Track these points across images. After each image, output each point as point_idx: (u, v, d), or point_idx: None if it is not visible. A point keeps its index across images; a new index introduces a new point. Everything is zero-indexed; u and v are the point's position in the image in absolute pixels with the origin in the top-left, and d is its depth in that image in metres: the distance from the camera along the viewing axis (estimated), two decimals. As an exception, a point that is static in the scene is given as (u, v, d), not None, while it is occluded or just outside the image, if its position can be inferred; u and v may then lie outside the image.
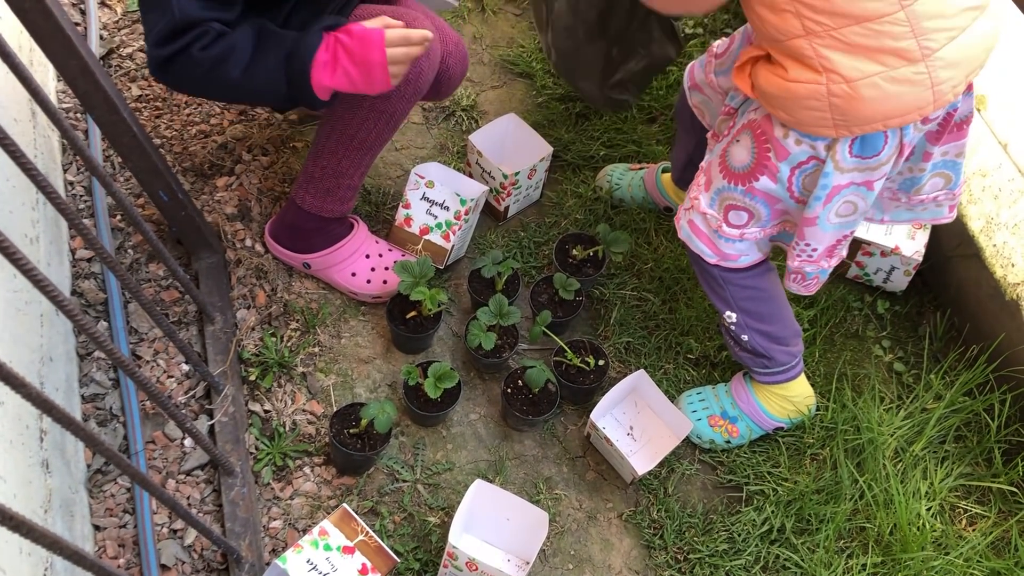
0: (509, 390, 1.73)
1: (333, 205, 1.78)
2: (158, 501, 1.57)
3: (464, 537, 1.58)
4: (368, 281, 1.85)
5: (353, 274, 1.85)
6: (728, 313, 1.64)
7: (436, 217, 1.87)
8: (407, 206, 1.88)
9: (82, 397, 1.65)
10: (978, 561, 1.63)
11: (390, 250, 1.89)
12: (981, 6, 1.28)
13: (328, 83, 1.48)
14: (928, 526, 1.67)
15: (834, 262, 1.54)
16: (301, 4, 1.58)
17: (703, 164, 1.57)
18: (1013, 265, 1.79)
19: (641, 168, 2.09)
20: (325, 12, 1.58)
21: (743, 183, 1.46)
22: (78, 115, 2.05)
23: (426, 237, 1.87)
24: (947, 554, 1.64)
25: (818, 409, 1.78)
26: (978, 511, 1.73)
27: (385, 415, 1.57)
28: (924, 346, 1.93)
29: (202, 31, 1.43)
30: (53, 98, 2.02)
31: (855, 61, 1.24)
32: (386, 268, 1.86)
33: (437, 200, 1.87)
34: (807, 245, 1.48)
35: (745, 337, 1.65)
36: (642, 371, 1.72)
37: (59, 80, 2.09)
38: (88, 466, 1.59)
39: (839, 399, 1.80)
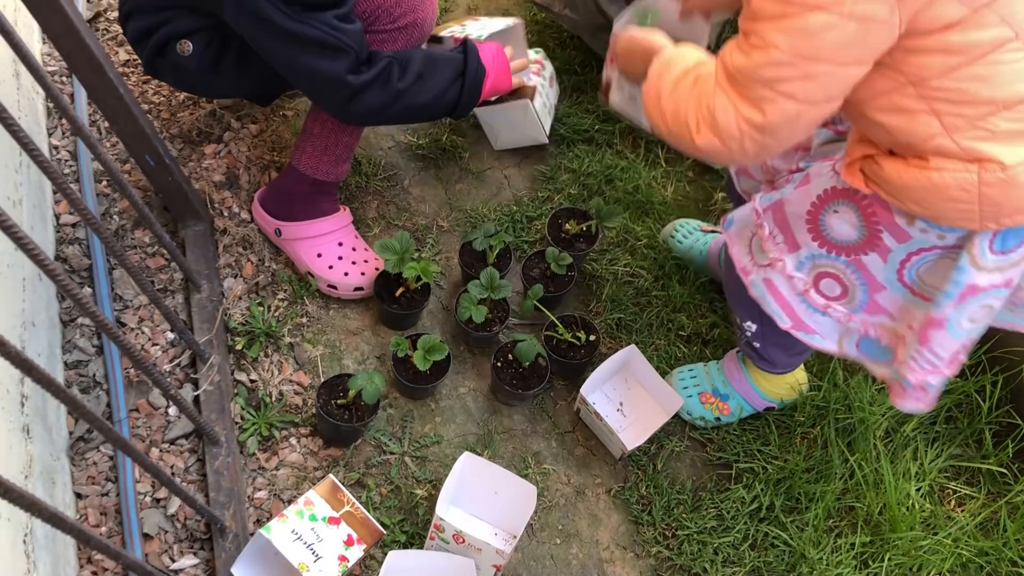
0: (499, 364, 1.71)
1: (328, 167, 1.76)
2: (141, 469, 1.55)
3: (451, 510, 1.57)
4: (330, 267, 1.80)
5: (319, 255, 1.81)
6: (749, 324, 1.59)
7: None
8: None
9: (65, 364, 1.63)
10: (966, 542, 1.63)
11: (367, 249, 1.85)
12: None
13: (487, 92, 1.77)
14: (917, 506, 1.66)
15: (955, 370, 1.31)
16: None
17: (761, 207, 1.42)
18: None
19: (713, 232, 1.95)
20: None
21: (848, 255, 1.32)
22: (64, 79, 2.02)
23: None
24: (935, 534, 1.63)
25: (810, 389, 1.77)
26: (967, 492, 1.73)
27: (373, 386, 1.55)
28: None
29: (389, 62, 1.61)
30: (38, 60, 1.97)
31: (1010, 147, 1.09)
32: (353, 263, 1.81)
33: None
34: (931, 352, 1.28)
35: (758, 345, 1.61)
36: (633, 346, 1.71)
37: (44, 42, 2.05)
38: (70, 433, 1.57)
39: (831, 379, 1.78)
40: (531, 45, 2.28)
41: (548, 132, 2.04)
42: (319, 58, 1.52)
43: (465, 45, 1.75)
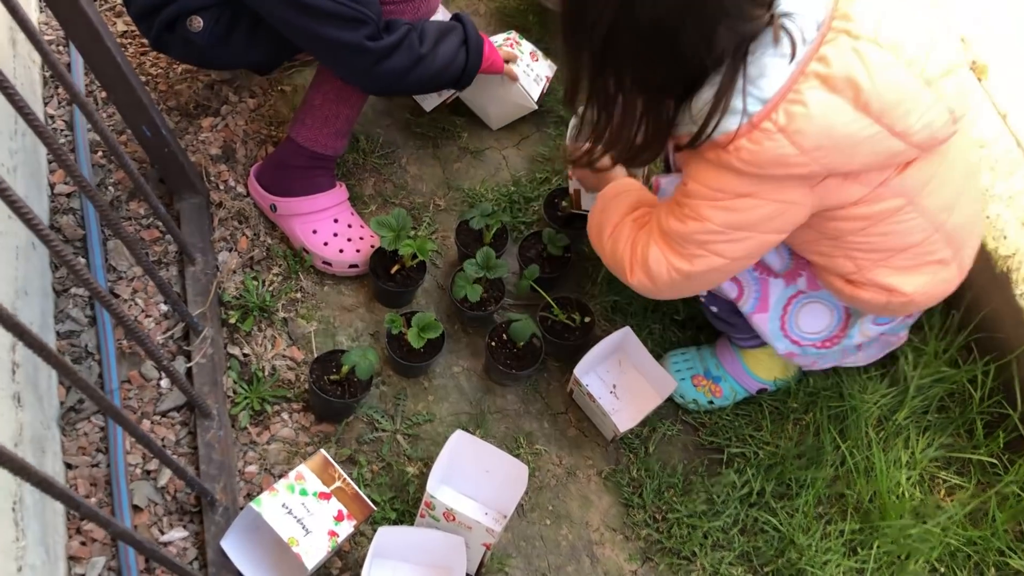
0: (493, 343, 1.71)
1: (327, 139, 1.75)
2: (132, 440, 1.55)
3: (442, 488, 1.57)
4: (325, 243, 1.80)
5: (314, 231, 1.80)
6: (712, 307, 1.66)
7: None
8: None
9: (57, 333, 1.62)
10: (955, 531, 1.64)
11: (363, 226, 1.85)
12: (979, 186, 1.51)
13: (483, 64, 1.80)
14: (907, 495, 1.66)
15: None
16: None
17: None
18: (1005, 237, 1.77)
19: None
20: None
21: (761, 272, 1.54)
22: (61, 47, 2.00)
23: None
24: (924, 523, 1.63)
25: (802, 374, 1.77)
26: (957, 482, 1.73)
27: (367, 362, 1.55)
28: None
29: (409, 29, 1.64)
30: (36, 28, 1.96)
31: (907, 278, 1.42)
32: (348, 240, 1.81)
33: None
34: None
35: (715, 308, 1.65)
36: (628, 328, 1.71)
37: (42, 10, 2.03)
38: (61, 403, 1.56)
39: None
40: (511, 28, 2.27)
41: (537, 99, 2.03)
42: (338, 29, 1.53)
43: (460, 17, 1.79)
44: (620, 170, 1.65)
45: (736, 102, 1.21)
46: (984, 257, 1.82)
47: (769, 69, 1.20)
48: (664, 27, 1.18)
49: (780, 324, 1.57)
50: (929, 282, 1.44)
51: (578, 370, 1.65)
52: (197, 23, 1.65)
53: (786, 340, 1.58)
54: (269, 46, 1.71)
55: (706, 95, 1.23)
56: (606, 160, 1.42)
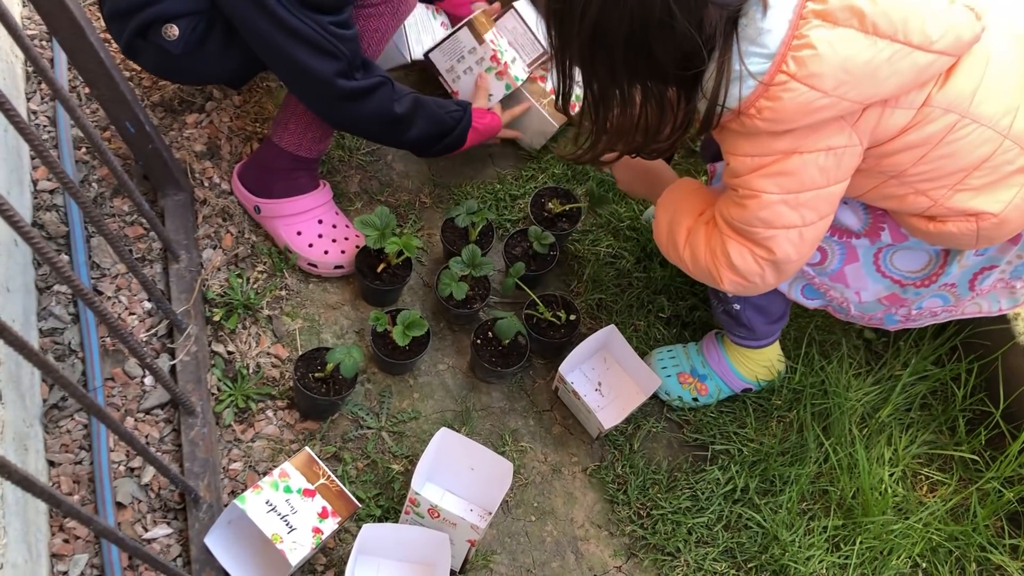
0: (479, 341, 1.71)
1: (309, 143, 1.74)
2: (115, 436, 1.55)
3: (427, 486, 1.57)
4: (310, 245, 1.79)
5: (299, 233, 1.79)
6: (735, 304, 1.64)
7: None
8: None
9: (40, 331, 1.61)
10: (936, 527, 1.65)
11: (348, 226, 1.84)
12: None
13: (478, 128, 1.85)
14: (890, 491, 1.68)
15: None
16: None
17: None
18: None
19: None
20: None
21: (842, 237, 1.49)
22: (43, 43, 1.99)
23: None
24: (907, 519, 1.65)
25: (787, 372, 1.78)
26: (939, 478, 1.74)
27: (352, 360, 1.55)
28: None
29: (391, 85, 1.66)
30: (17, 22, 1.94)
31: (990, 196, 1.31)
32: (333, 240, 1.81)
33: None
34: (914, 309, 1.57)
35: (737, 306, 1.63)
36: (612, 326, 1.71)
37: (25, 5, 2.02)
38: (44, 401, 1.55)
39: (808, 363, 1.79)
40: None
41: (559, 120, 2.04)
42: (310, 56, 1.52)
43: (464, 111, 1.82)
44: (663, 167, 1.64)
45: (739, 67, 1.20)
46: (966, 255, 1.83)
47: (766, 24, 1.18)
48: (653, 11, 1.16)
49: (875, 266, 1.51)
50: (1018, 194, 1.31)
51: (563, 368, 1.65)
52: (173, 31, 1.60)
53: (885, 280, 1.51)
54: (243, 58, 1.67)
55: (711, 71, 1.22)
56: (611, 154, 1.43)
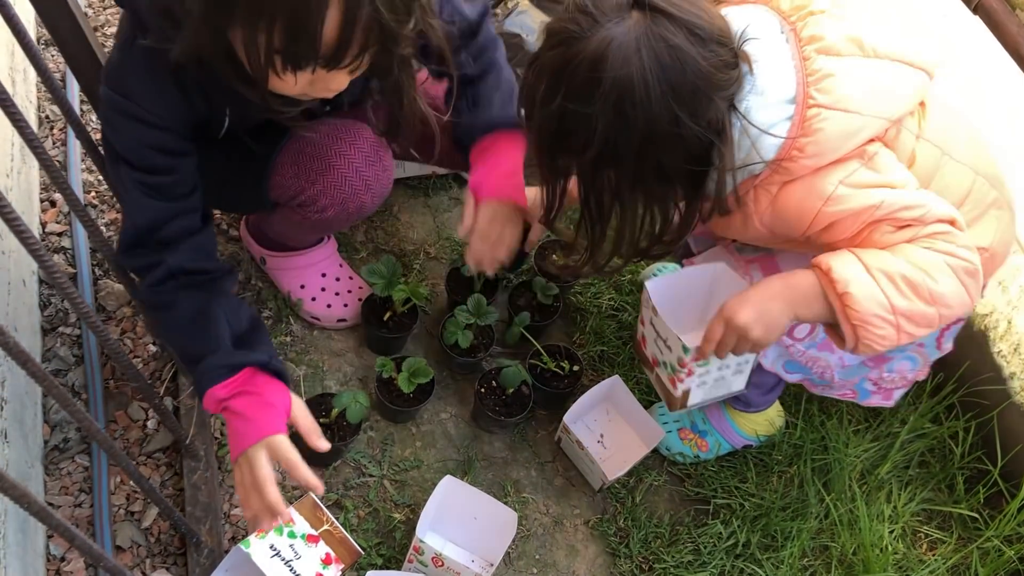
0: (483, 390, 1.72)
1: (304, 234, 1.75)
2: (116, 480, 1.53)
3: (429, 534, 1.56)
4: (313, 299, 1.79)
5: (302, 286, 1.80)
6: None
7: (661, 354, 1.50)
8: (643, 323, 1.54)
9: (44, 371, 1.60)
10: (938, 585, 1.65)
11: (351, 278, 1.84)
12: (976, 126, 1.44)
13: (214, 410, 1.33)
14: (891, 548, 1.68)
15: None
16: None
17: (746, 258, 1.47)
18: (982, 296, 1.82)
19: None
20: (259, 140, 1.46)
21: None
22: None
23: (657, 370, 1.55)
24: (908, 576, 1.65)
25: (787, 427, 1.79)
26: (939, 536, 1.74)
27: (358, 405, 1.55)
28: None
29: (158, 263, 1.32)
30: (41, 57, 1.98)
31: (978, 230, 1.37)
32: (336, 294, 1.81)
33: (661, 334, 1.48)
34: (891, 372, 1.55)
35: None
36: (617, 377, 1.72)
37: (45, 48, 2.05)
38: (46, 442, 1.54)
39: (808, 419, 1.80)
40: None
41: None
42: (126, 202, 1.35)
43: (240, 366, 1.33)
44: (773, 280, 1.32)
45: (751, 130, 1.22)
46: (962, 315, 1.86)
47: (767, 78, 1.22)
48: (660, 124, 1.18)
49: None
50: (998, 228, 1.38)
51: (568, 418, 1.66)
52: None
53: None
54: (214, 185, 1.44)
55: (726, 151, 1.23)
56: (616, 260, 1.39)
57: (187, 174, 1.34)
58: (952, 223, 1.23)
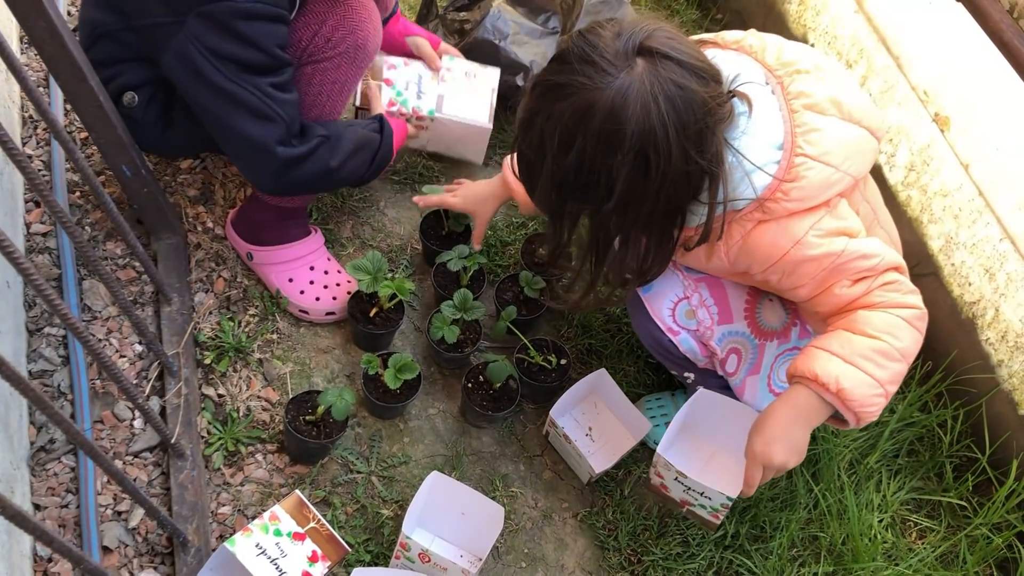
0: (470, 385, 1.72)
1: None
2: (102, 480, 1.53)
3: (417, 531, 1.56)
4: (302, 292, 1.79)
5: (290, 280, 1.80)
6: (687, 374, 1.65)
7: (696, 500, 1.55)
8: (660, 476, 1.58)
9: (30, 373, 1.60)
10: (927, 573, 1.65)
11: (340, 271, 1.85)
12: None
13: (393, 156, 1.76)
14: (879, 537, 1.68)
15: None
16: None
17: (694, 277, 1.53)
18: (970, 284, 1.82)
19: None
20: None
21: (761, 338, 1.55)
22: (41, 88, 2.01)
23: (691, 508, 1.59)
24: (896, 565, 1.65)
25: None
26: (928, 524, 1.75)
27: (344, 402, 1.55)
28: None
29: (321, 140, 1.61)
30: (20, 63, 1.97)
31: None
32: (325, 287, 1.81)
33: (694, 489, 1.53)
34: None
35: (701, 388, 1.64)
36: (603, 370, 1.72)
37: (23, 52, 2.04)
38: (32, 443, 1.54)
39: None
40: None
41: (488, 116, 2.02)
42: (250, 123, 1.51)
43: (382, 126, 1.75)
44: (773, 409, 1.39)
45: (746, 164, 1.29)
46: (949, 304, 1.87)
47: (760, 123, 1.30)
48: (677, 165, 1.22)
49: (767, 384, 1.59)
50: None
51: (554, 411, 1.66)
52: (131, 98, 1.61)
53: (771, 396, 1.58)
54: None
55: (725, 186, 1.29)
56: (618, 291, 1.48)
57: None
58: (899, 270, 1.35)
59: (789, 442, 1.32)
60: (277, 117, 1.52)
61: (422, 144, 2.06)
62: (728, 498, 1.47)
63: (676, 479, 1.52)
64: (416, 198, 1.85)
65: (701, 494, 1.51)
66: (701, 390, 1.59)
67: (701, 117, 1.22)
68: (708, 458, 1.66)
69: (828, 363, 1.30)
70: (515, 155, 1.39)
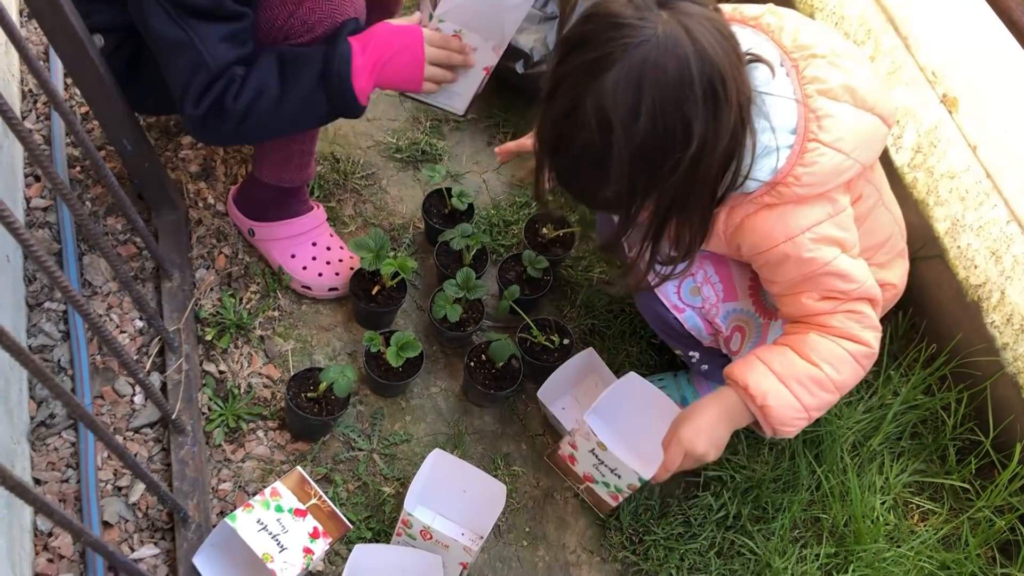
0: (472, 364, 1.71)
1: (291, 173, 1.71)
2: (103, 455, 1.53)
3: (419, 508, 1.55)
4: (304, 267, 1.78)
5: (293, 256, 1.78)
6: (692, 353, 1.63)
7: (603, 476, 1.57)
8: (574, 447, 1.59)
9: (30, 348, 1.60)
10: (928, 555, 1.65)
11: (342, 248, 1.83)
12: None
13: (369, 86, 1.49)
14: (882, 519, 1.68)
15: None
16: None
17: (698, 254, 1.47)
18: (976, 267, 1.81)
19: None
20: None
21: (765, 317, 1.54)
22: (41, 62, 1.99)
23: (591, 485, 1.62)
24: (899, 547, 1.65)
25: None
26: (930, 507, 1.74)
27: (345, 379, 1.54)
28: (885, 344, 1.94)
29: (229, 80, 1.42)
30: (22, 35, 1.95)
31: (888, 271, 1.56)
32: (328, 263, 1.79)
33: (607, 463, 1.54)
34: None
35: (707, 367, 1.65)
36: (591, 349, 1.71)
37: (23, 26, 2.02)
38: (32, 418, 1.53)
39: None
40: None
41: (490, 63, 1.65)
42: (183, 70, 1.42)
43: (334, 38, 1.47)
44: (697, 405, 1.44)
45: (765, 143, 1.28)
46: (955, 287, 1.85)
47: (776, 103, 1.29)
48: (737, 137, 1.22)
49: None
50: (901, 273, 1.58)
51: (541, 394, 1.65)
52: (98, 39, 1.54)
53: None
54: None
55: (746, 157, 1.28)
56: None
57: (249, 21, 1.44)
58: (872, 303, 1.37)
59: (713, 436, 1.38)
60: (203, 64, 1.40)
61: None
62: (640, 479, 1.49)
63: (592, 451, 1.52)
64: (497, 148, 1.71)
65: (613, 471, 1.52)
66: (631, 373, 1.60)
67: (736, 47, 1.20)
68: (614, 439, 1.60)
69: (763, 378, 1.35)
70: (554, 169, 1.31)
